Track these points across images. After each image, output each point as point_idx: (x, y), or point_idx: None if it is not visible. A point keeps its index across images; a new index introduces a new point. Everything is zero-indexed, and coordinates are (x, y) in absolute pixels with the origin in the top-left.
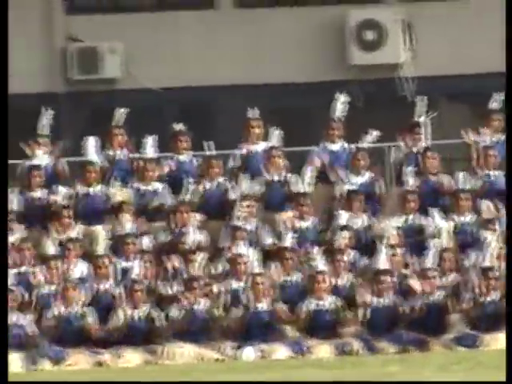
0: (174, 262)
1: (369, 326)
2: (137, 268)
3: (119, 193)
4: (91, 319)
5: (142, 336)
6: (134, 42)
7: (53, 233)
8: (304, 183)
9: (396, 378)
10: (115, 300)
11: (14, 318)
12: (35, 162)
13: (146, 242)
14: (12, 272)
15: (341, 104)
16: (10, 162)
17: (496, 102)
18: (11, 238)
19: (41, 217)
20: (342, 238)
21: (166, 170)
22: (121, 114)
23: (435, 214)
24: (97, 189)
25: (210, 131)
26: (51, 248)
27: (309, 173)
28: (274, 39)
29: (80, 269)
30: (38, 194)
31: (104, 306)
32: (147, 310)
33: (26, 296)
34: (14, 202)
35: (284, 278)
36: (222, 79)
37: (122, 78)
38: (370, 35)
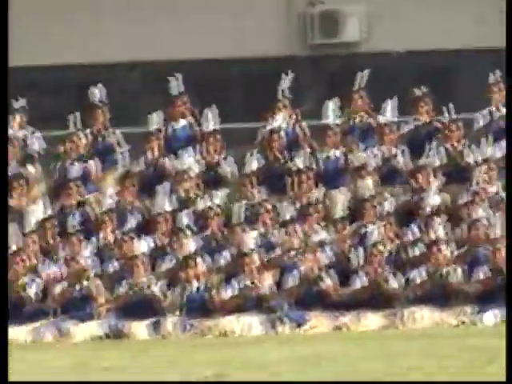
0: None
1: None
2: (376, 231)
3: (359, 156)
4: (331, 282)
5: (381, 299)
6: (375, 4)
7: (292, 196)
8: None
9: None
10: (355, 263)
11: (254, 280)
12: (276, 125)
13: (387, 205)
14: (252, 235)
15: None
16: (251, 125)
17: None
18: (256, 198)
19: (281, 180)
20: None
21: (406, 133)
22: (362, 77)
23: None
24: (337, 152)
25: (450, 95)
26: (290, 211)
27: None
28: None
29: (318, 232)
30: (278, 157)
31: (344, 269)
32: (386, 273)
33: (264, 259)
34: (254, 164)
35: None
36: (462, 43)
37: (362, 41)
38: None
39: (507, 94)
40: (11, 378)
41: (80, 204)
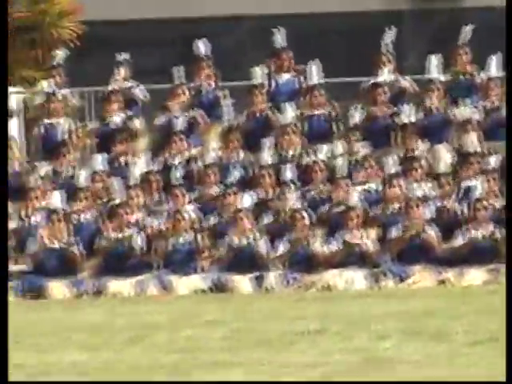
0: None
1: None
2: (480, 187)
3: (463, 111)
4: (434, 237)
5: (485, 255)
6: None
7: (396, 150)
8: None
9: None
10: (458, 219)
11: (358, 234)
12: (380, 79)
13: (491, 160)
14: (357, 189)
15: None
16: (355, 79)
17: None
18: (360, 152)
19: (385, 134)
20: None
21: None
22: (467, 31)
23: None
24: (440, 107)
25: None
26: (394, 166)
27: None
28: None
29: (422, 187)
30: (383, 110)
31: (447, 224)
32: (491, 229)
33: (368, 213)
34: (358, 118)
35: None
36: None
37: None
38: None
39: (507, 97)
40: (117, 326)
41: (184, 157)
